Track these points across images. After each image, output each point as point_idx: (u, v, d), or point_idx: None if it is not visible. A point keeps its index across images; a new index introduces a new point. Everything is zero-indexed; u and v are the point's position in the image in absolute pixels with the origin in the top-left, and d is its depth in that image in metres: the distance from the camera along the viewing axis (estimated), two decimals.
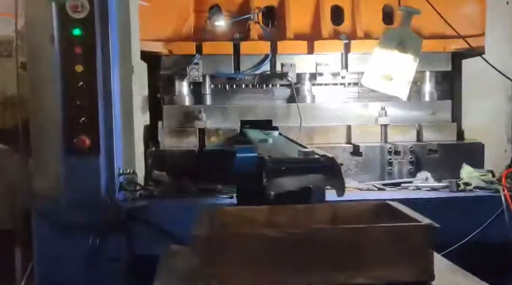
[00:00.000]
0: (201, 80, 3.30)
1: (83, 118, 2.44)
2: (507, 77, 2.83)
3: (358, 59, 3.32)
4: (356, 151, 3.08)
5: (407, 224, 1.53)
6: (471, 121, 3.35)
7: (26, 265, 2.97)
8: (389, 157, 3.05)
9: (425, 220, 1.56)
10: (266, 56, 3.32)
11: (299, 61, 3.34)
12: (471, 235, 2.55)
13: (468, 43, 2.58)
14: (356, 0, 3.38)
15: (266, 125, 3.23)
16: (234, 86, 3.43)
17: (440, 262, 1.67)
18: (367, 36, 3.39)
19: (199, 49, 3.28)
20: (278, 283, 1.47)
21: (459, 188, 2.78)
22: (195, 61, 3.24)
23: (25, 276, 2.99)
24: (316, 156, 1.81)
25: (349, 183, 2.85)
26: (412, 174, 3.05)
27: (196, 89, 3.40)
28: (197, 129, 3.20)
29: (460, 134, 3.35)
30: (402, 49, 2.69)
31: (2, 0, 3.02)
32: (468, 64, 3.35)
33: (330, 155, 1.89)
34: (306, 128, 3.25)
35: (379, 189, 2.90)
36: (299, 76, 3.38)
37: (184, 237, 2.42)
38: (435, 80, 3.46)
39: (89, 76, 2.43)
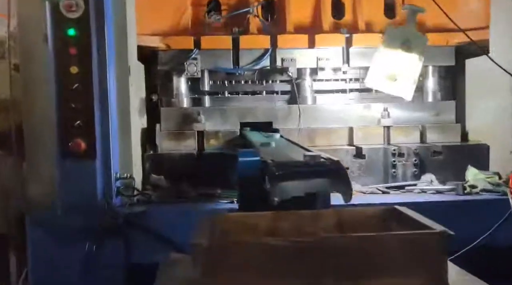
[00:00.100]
0: (199, 75, 3.23)
1: (78, 121, 2.38)
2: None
3: (360, 54, 3.27)
4: (359, 154, 3.01)
5: (420, 231, 1.45)
6: (475, 122, 3.30)
7: (22, 270, 2.90)
8: (393, 159, 2.98)
9: (438, 227, 1.48)
10: (266, 50, 3.26)
11: (299, 55, 3.29)
12: (479, 239, 2.48)
13: (472, 41, 2.50)
14: None
15: (266, 127, 3.18)
16: (234, 81, 3.37)
17: (451, 269, 1.60)
18: (369, 29, 3.33)
19: (197, 44, 3.22)
20: None
21: (465, 191, 2.71)
22: (193, 56, 3.18)
23: (20, 281, 2.91)
24: (322, 159, 1.73)
25: (352, 186, 2.77)
26: (417, 176, 2.99)
27: (195, 85, 3.33)
28: (196, 132, 3.14)
29: (464, 135, 3.30)
30: (407, 48, 2.62)
31: None
32: (471, 64, 3.30)
33: (336, 158, 1.81)
34: (307, 130, 3.21)
35: (383, 192, 2.84)
36: (299, 71, 3.33)
37: (184, 244, 2.36)
38: (438, 75, 3.39)
39: (85, 78, 2.37)
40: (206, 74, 3.30)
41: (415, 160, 2.99)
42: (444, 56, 3.31)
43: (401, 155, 2.99)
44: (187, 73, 3.19)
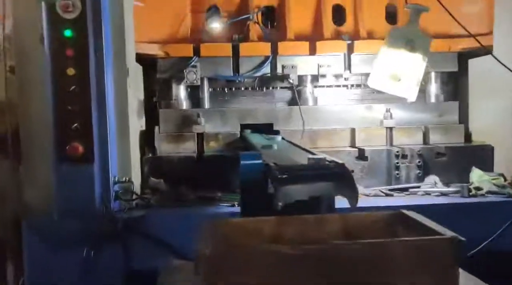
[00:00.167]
0: (199, 83, 3.20)
1: (75, 124, 2.33)
2: None
3: (361, 60, 3.25)
4: (361, 155, 2.97)
5: (430, 237, 1.40)
6: (478, 122, 3.26)
7: (19, 276, 2.85)
8: (396, 161, 2.94)
9: (448, 232, 1.44)
10: (266, 57, 3.23)
11: (300, 62, 3.26)
12: (485, 242, 2.44)
13: (478, 42, 2.45)
14: None
15: (267, 129, 3.14)
16: (233, 89, 3.35)
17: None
18: (370, 36, 3.30)
19: (196, 51, 3.19)
20: None
21: (471, 193, 2.67)
22: (193, 63, 3.15)
23: None
24: (326, 162, 1.69)
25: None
26: (420, 178, 2.94)
27: (194, 93, 3.30)
28: (196, 134, 3.10)
29: (467, 136, 3.26)
30: (411, 48, 2.57)
31: None
32: (474, 64, 3.27)
33: (340, 161, 1.76)
34: (309, 132, 3.17)
35: (387, 194, 2.79)
36: (300, 78, 3.30)
37: (184, 249, 2.35)
38: (441, 80, 3.37)
39: (82, 80, 2.32)
40: (205, 82, 3.27)
41: (419, 162, 2.95)
42: (447, 62, 3.28)
43: (404, 156, 2.95)
44: (186, 81, 3.16)
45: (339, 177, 1.64)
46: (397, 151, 2.95)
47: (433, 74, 3.30)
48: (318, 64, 3.23)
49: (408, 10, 2.76)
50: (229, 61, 3.22)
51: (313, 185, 1.64)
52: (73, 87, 2.31)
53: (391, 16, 3.34)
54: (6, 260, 3.10)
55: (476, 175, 2.81)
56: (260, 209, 1.77)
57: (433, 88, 3.34)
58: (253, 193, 1.78)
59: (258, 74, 3.25)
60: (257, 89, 3.32)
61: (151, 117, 3.16)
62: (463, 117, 3.30)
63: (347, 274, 1.34)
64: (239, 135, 3.14)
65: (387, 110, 3.16)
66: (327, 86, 3.35)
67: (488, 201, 2.62)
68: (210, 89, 3.31)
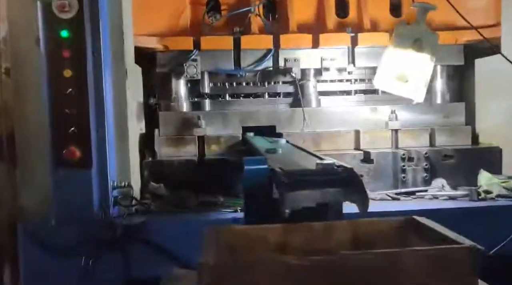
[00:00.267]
0: (199, 77, 3.13)
1: (72, 128, 2.27)
2: None
3: (365, 54, 3.18)
4: (367, 158, 2.90)
5: (447, 247, 1.33)
6: (485, 123, 3.20)
7: (16, 279, 2.78)
8: (403, 164, 2.86)
9: (464, 240, 1.36)
10: (268, 51, 3.17)
11: (303, 55, 3.19)
12: (497, 247, 2.36)
13: (482, 35, 2.37)
14: None
15: (269, 131, 3.08)
16: (235, 83, 3.28)
17: None
18: (374, 28, 3.23)
19: (196, 44, 3.12)
20: None
21: (480, 197, 2.59)
22: (193, 57, 3.08)
23: None
24: (336, 167, 1.61)
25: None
26: (427, 182, 2.87)
27: (194, 87, 3.24)
28: (197, 137, 3.03)
29: (474, 138, 3.19)
30: (418, 47, 2.50)
31: None
32: (481, 63, 3.21)
33: (349, 166, 1.69)
34: (312, 134, 3.10)
35: (393, 198, 2.72)
36: (303, 72, 3.24)
37: (186, 257, 2.27)
38: (447, 75, 3.29)
39: (79, 82, 2.26)
40: (206, 76, 3.21)
41: (426, 165, 2.87)
42: (453, 55, 3.21)
43: (410, 159, 2.88)
44: (186, 75, 3.09)
45: (348, 182, 1.56)
46: (403, 154, 2.87)
47: (438, 68, 3.21)
48: (321, 57, 3.16)
49: (414, 9, 2.68)
50: (230, 54, 3.16)
51: (321, 191, 1.57)
52: (70, 89, 2.25)
53: (395, 8, 3.27)
54: (3, 264, 3.04)
55: (485, 178, 2.74)
56: (264, 216, 1.70)
57: (439, 84, 3.26)
58: (257, 200, 1.71)
59: (260, 67, 3.18)
60: (259, 83, 3.25)
61: (151, 120, 3.10)
62: (470, 118, 3.24)
63: None
64: (241, 138, 3.07)
65: (392, 112, 3.08)
66: (330, 81, 3.29)
67: (499, 205, 2.55)
68: (210, 84, 3.24)
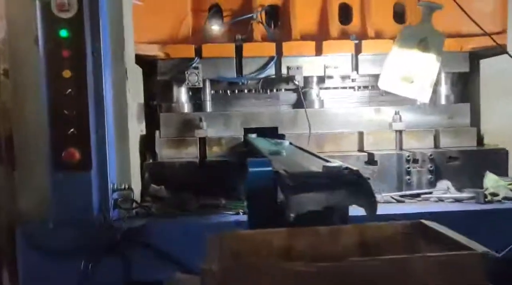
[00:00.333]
0: (201, 85, 3.10)
1: (72, 129, 2.23)
2: None
3: (369, 61, 3.16)
4: (371, 160, 2.85)
5: (458, 253, 1.28)
6: (490, 125, 3.15)
7: (15, 282, 2.75)
8: (407, 165, 2.82)
9: (476, 246, 1.32)
10: (271, 58, 3.14)
11: (306, 63, 3.16)
12: (504, 251, 2.31)
13: (495, 41, 2.33)
14: None
15: (271, 132, 3.04)
16: (237, 91, 3.25)
17: None
18: (378, 36, 3.21)
19: (198, 52, 3.09)
20: None
21: (487, 199, 2.55)
22: (194, 65, 3.05)
23: None
24: (344, 170, 1.57)
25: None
26: (432, 184, 2.82)
27: (196, 95, 3.22)
28: (198, 139, 2.99)
29: (479, 139, 3.15)
30: (423, 47, 2.45)
31: None
32: (486, 64, 3.16)
33: (355, 168, 1.64)
34: (315, 135, 3.06)
35: (398, 201, 2.68)
36: (306, 80, 3.21)
37: (187, 261, 2.23)
38: (451, 82, 3.27)
39: (78, 82, 2.23)
40: (207, 84, 3.17)
41: (430, 166, 2.83)
42: (458, 63, 3.18)
43: (415, 161, 2.83)
44: (188, 83, 3.06)
45: (356, 185, 1.51)
46: (408, 156, 2.83)
47: (443, 75, 3.19)
48: (324, 65, 3.14)
49: (420, 8, 2.64)
50: (232, 62, 3.13)
51: (328, 194, 1.52)
52: (69, 90, 2.22)
53: (399, 15, 3.25)
54: (1, 267, 3.01)
55: (491, 180, 2.70)
56: (268, 220, 1.66)
57: (443, 89, 3.24)
58: (261, 203, 1.66)
59: (262, 75, 3.15)
60: (261, 91, 3.23)
61: (152, 121, 3.06)
62: (475, 120, 3.19)
63: None
64: (242, 139, 3.04)
65: (396, 113, 3.04)
66: (334, 88, 3.26)
67: (506, 207, 2.50)
68: (212, 92, 3.21)
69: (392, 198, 2.69)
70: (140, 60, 2.89)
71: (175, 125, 3.05)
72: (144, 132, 2.98)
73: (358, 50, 3.13)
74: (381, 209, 2.49)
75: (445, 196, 2.69)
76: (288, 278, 1.25)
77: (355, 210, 1.64)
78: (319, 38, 3.15)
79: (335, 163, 1.62)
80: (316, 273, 1.25)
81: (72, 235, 2.24)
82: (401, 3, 3.22)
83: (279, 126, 3.11)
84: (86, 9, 2.21)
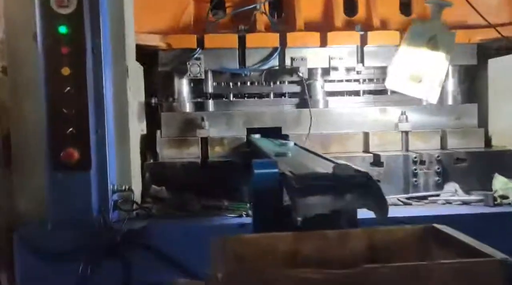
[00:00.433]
0: (203, 76, 3.04)
1: (71, 128, 2.18)
2: None
3: (375, 53, 3.09)
4: (376, 161, 2.79)
5: (476, 260, 1.22)
6: (498, 125, 3.09)
7: (13, 284, 2.70)
8: (414, 167, 2.75)
9: (496, 253, 1.26)
10: (274, 49, 3.07)
11: (310, 54, 3.09)
12: None
13: (500, 34, 2.27)
14: None
15: (275, 132, 2.98)
16: (239, 83, 3.18)
17: None
18: (383, 27, 3.14)
19: (200, 43, 3.02)
20: None
21: (496, 202, 2.49)
22: (196, 55, 2.99)
23: None
24: (353, 172, 1.51)
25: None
26: (439, 186, 2.76)
27: (198, 87, 3.15)
28: (200, 138, 2.93)
29: (487, 140, 3.09)
30: (433, 46, 2.39)
31: None
32: (494, 63, 3.11)
33: (363, 170, 1.58)
34: (319, 136, 3.00)
35: (405, 203, 2.62)
36: (310, 71, 3.14)
37: (189, 263, 2.18)
38: (458, 77, 3.19)
39: (78, 80, 2.17)
40: (210, 75, 3.11)
41: (438, 168, 2.77)
42: (466, 55, 3.10)
43: (422, 162, 2.77)
44: (189, 74, 3.00)
45: (366, 188, 1.46)
46: (415, 157, 2.76)
47: (450, 68, 3.09)
48: (329, 56, 3.07)
49: (428, 6, 2.58)
50: (235, 53, 3.06)
51: (337, 197, 1.46)
52: (68, 88, 2.16)
53: (405, 6, 3.18)
54: (0, 268, 2.97)
55: (500, 183, 2.64)
56: (274, 223, 1.60)
57: (450, 84, 3.16)
58: (267, 205, 1.61)
59: (266, 67, 3.08)
60: (264, 83, 3.16)
61: (153, 121, 3.00)
62: (482, 120, 3.13)
63: None
64: (245, 140, 2.98)
65: (403, 113, 2.97)
66: (338, 81, 3.19)
67: None
68: (214, 83, 3.14)
69: (399, 200, 2.63)
70: (141, 51, 2.82)
71: (177, 125, 2.99)
72: (145, 132, 2.92)
73: (363, 41, 3.06)
74: (389, 212, 2.45)
75: (453, 198, 2.63)
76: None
77: (364, 213, 1.59)
78: (324, 29, 3.09)
79: (344, 163, 1.56)
80: (325, 280, 1.19)
81: (71, 237, 2.20)
82: None
83: (282, 126, 3.05)
84: (86, 4, 2.16)
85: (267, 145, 2.49)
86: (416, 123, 3.04)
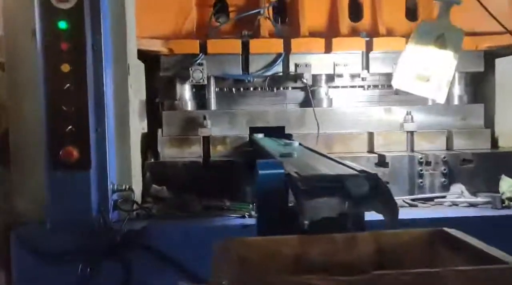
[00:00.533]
0: (205, 82, 3.00)
1: (70, 126, 2.14)
2: None
3: (380, 59, 3.06)
4: (381, 162, 2.74)
5: (492, 267, 1.18)
6: (505, 126, 3.04)
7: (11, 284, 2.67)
8: (420, 168, 2.71)
9: (506, 257, 1.21)
10: (278, 55, 3.04)
11: (314, 61, 3.06)
12: None
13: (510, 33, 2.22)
14: None
15: (278, 132, 2.93)
16: (242, 89, 3.16)
17: None
18: (389, 33, 3.11)
19: (203, 48, 2.99)
20: None
21: (504, 205, 2.44)
22: (199, 61, 2.96)
23: None
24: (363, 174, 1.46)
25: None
26: (445, 187, 2.71)
27: (200, 93, 3.12)
28: (202, 137, 2.89)
29: (493, 141, 3.04)
30: (441, 44, 2.34)
31: None
32: (501, 63, 3.06)
33: (372, 171, 1.54)
34: (323, 136, 2.96)
35: (411, 205, 2.57)
36: (314, 78, 3.10)
37: (190, 265, 2.14)
38: (465, 81, 3.17)
39: (78, 77, 2.13)
40: (212, 81, 3.08)
41: (444, 169, 2.72)
42: (473, 62, 3.07)
43: (428, 163, 2.72)
44: (192, 80, 2.97)
45: (375, 190, 1.41)
46: (421, 158, 2.72)
47: (457, 75, 3.08)
48: (334, 63, 3.04)
49: (436, 4, 2.53)
50: (238, 59, 3.04)
51: (343, 199, 1.42)
52: (68, 85, 2.12)
53: (411, 12, 3.15)
54: None
55: (507, 184, 2.58)
56: (279, 225, 1.55)
57: (457, 89, 3.14)
58: (272, 207, 1.56)
59: (269, 73, 3.05)
60: (268, 89, 3.13)
61: (154, 119, 2.96)
62: (489, 121, 3.09)
63: None
64: (248, 139, 2.94)
65: (408, 113, 2.93)
66: (343, 87, 3.17)
67: None
68: (217, 89, 3.12)
69: (404, 202, 2.58)
70: (142, 55, 2.80)
71: (178, 123, 2.96)
72: (145, 130, 2.88)
73: (368, 47, 3.04)
74: None
75: (459, 200, 2.58)
76: None
77: (371, 216, 1.54)
78: (329, 35, 3.07)
79: (355, 165, 1.51)
80: None
81: (70, 237, 2.18)
82: None
83: (286, 126, 3.01)
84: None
85: (270, 145, 2.44)
86: (422, 123, 2.99)
